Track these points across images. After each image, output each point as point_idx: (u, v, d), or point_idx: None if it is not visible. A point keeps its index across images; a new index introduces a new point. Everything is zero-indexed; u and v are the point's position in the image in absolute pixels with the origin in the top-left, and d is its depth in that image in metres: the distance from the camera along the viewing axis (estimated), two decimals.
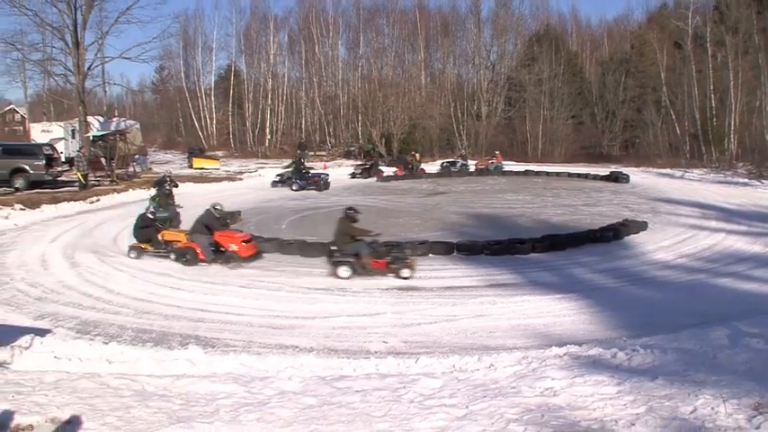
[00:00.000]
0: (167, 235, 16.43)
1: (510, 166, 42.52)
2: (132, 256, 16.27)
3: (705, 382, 6.66)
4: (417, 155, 42.29)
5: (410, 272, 14.07)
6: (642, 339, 9.05)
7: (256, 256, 16.04)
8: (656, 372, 7.20)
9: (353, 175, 38.68)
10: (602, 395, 6.55)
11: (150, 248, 16.38)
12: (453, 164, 42.38)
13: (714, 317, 10.44)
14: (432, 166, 43.02)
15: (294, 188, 31.52)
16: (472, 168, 41.31)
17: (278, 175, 33.88)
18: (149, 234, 16.47)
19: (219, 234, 15.61)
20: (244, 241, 15.73)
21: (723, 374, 6.87)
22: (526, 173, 38.93)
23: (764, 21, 38.98)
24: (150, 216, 16.87)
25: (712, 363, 7.43)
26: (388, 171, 40.29)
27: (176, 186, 19.32)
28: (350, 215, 14.80)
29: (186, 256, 15.52)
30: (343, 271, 14.15)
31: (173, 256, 15.82)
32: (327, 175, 34.22)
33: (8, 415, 5.89)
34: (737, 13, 41.96)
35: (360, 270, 14.09)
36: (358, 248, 14.22)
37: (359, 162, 42.74)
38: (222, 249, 15.50)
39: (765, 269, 14.37)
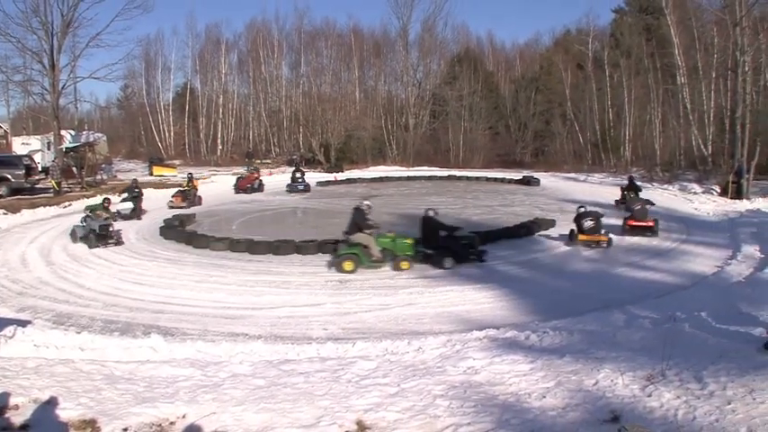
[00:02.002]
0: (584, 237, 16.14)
1: (434, 171, 42.91)
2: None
3: (606, 358, 6.84)
4: (196, 179, 29.32)
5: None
6: (552, 322, 9.27)
7: None
8: (564, 350, 7.37)
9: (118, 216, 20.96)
10: (518, 372, 6.66)
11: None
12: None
13: (613, 302, 10.74)
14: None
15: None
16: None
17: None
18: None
19: None
20: None
21: (621, 351, 7.07)
22: (449, 177, 39.06)
23: (652, 47, 40.37)
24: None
25: (612, 341, 7.63)
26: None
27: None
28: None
29: None
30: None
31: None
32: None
33: (4, 397, 6.03)
34: (630, 39, 43.35)
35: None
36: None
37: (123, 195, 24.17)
38: None
39: (656, 259, 14.89)
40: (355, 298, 12.04)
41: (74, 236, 17.91)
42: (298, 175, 32.50)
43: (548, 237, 17.82)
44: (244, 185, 31.43)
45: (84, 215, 18.38)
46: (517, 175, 37.14)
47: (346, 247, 14.36)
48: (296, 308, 11.45)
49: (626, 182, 24.73)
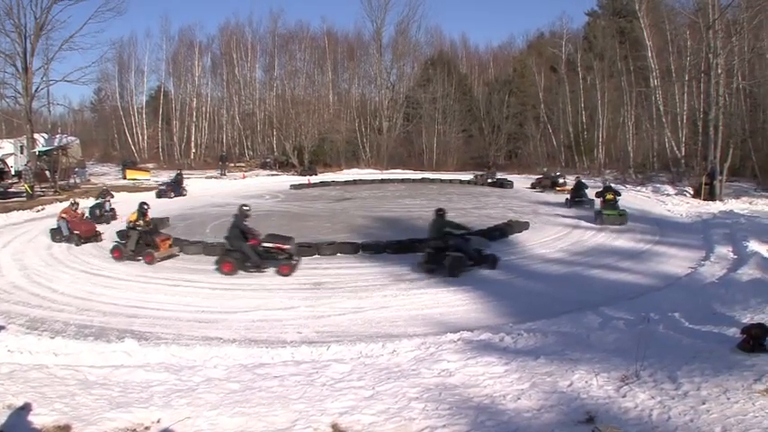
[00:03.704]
0: None
1: (407, 174, 43.11)
2: None
3: (580, 359, 6.95)
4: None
5: None
6: (526, 324, 9.37)
7: None
8: (538, 352, 7.46)
9: None
10: (492, 374, 6.74)
11: None
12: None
13: (587, 304, 10.89)
14: None
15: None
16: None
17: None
18: None
19: None
20: None
21: (595, 352, 7.19)
22: (423, 180, 39.30)
23: (626, 50, 40.98)
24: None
25: (586, 343, 7.76)
26: None
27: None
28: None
29: None
30: None
31: None
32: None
33: None
34: (603, 42, 44.02)
35: None
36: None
37: None
38: None
39: (629, 261, 15.12)
40: (329, 301, 12.06)
41: None
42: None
43: (522, 239, 17.98)
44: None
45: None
46: (490, 178, 37.36)
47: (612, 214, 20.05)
48: (270, 311, 11.46)
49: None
